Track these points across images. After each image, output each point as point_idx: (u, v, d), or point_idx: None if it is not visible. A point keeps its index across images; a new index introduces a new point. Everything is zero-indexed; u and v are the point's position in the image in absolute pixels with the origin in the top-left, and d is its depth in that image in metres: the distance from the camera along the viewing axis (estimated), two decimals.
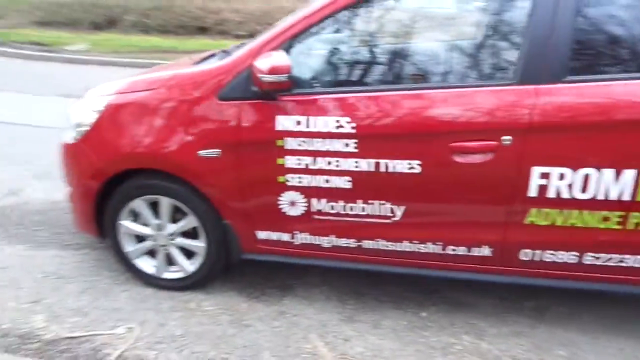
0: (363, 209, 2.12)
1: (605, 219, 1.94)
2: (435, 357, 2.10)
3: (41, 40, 10.19)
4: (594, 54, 1.90)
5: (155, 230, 2.40)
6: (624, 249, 1.98)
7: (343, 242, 2.21)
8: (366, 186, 2.07)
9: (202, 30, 10.85)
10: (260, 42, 2.08)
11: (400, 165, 2.00)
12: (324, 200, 2.14)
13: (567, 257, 2.04)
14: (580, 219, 1.96)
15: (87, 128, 2.31)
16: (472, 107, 1.90)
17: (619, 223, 1.94)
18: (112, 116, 2.26)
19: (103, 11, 11.33)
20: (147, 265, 2.51)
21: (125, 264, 2.53)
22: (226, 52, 2.45)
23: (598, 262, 2.03)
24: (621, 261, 2.01)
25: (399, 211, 2.09)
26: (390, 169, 2.01)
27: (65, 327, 2.23)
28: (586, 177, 1.88)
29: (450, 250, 2.13)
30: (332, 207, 2.15)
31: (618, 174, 1.85)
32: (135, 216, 2.42)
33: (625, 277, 2.05)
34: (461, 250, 2.12)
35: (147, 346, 2.13)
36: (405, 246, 2.16)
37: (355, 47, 2.09)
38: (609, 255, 2.00)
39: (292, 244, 2.28)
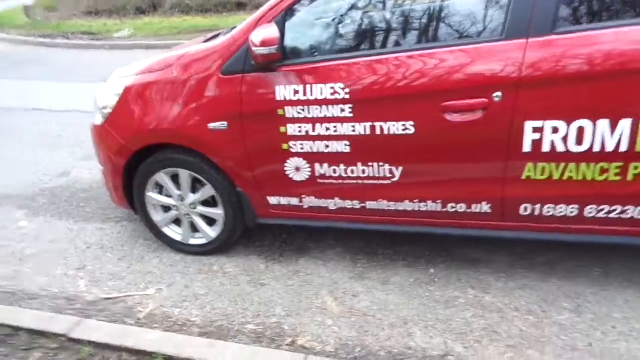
0: (363, 172, 2.21)
1: (604, 170, 1.93)
2: (438, 310, 2.19)
3: (89, 29, 10.71)
4: (581, 3, 1.87)
5: (178, 201, 2.60)
6: (626, 200, 1.97)
7: (348, 204, 2.32)
8: (364, 149, 2.15)
9: (241, 6, 11.00)
10: (257, 16, 2.18)
11: (395, 127, 2.06)
12: (325, 165, 2.24)
13: (568, 210, 2.05)
14: (577, 172, 1.96)
15: (110, 110, 2.51)
16: (460, 66, 1.93)
17: (617, 174, 1.92)
18: (130, 97, 2.45)
19: None
20: (174, 233, 2.73)
21: (155, 232, 2.76)
22: (233, 29, 2.56)
23: (600, 215, 2.03)
24: (623, 213, 1.99)
25: (398, 172, 2.16)
26: (386, 131, 2.08)
27: (104, 290, 2.49)
28: (581, 129, 1.87)
29: (450, 207, 2.18)
30: (335, 171, 2.25)
31: (614, 124, 1.83)
32: (160, 188, 2.63)
33: (629, 228, 2.03)
34: (461, 208, 2.17)
35: (173, 304, 2.35)
36: (407, 205, 2.23)
37: (344, 15, 2.14)
38: (610, 207, 2.00)
39: (301, 208, 2.41)
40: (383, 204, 2.26)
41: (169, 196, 2.62)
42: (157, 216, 2.70)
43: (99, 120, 2.60)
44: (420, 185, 2.18)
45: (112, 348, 1.99)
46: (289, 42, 2.16)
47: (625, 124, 1.82)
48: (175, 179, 2.56)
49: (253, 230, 2.68)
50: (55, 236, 3.04)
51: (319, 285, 2.41)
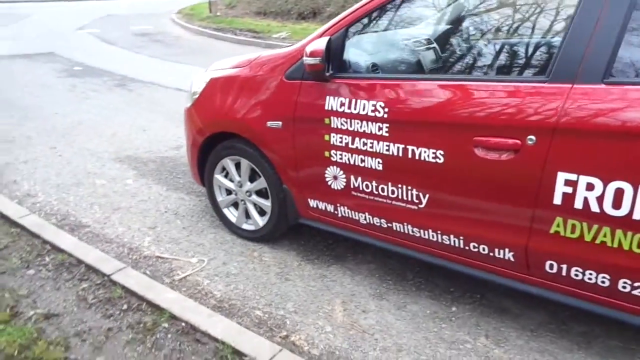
0: (392, 192, 2.22)
1: None
2: (438, 348, 2.11)
3: (255, 28, 11.82)
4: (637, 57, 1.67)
5: (237, 186, 2.86)
6: None
7: (376, 220, 2.35)
8: (395, 170, 2.17)
9: None
10: (322, 29, 2.33)
11: (425, 154, 2.05)
12: (360, 178, 2.30)
13: (598, 279, 1.84)
14: (612, 238, 1.75)
15: (197, 96, 2.87)
16: (498, 102, 1.86)
17: None
18: (211, 88, 2.77)
19: (309, 3, 12.52)
20: (231, 215, 3.00)
21: (217, 211, 3.06)
22: None
23: (635, 292, 1.78)
24: None
25: (424, 199, 2.14)
26: (417, 156, 2.08)
27: (160, 250, 2.85)
28: (619, 191, 1.68)
29: (472, 247, 2.09)
30: (367, 186, 2.30)
31: None
32: (226, 173, 2.91)
33: None
34: (483, 249, 2.07)
35: (205, 276, 2.60)
36: (431, 234, 2.19)
37: (394, 38, 2.18)
38: None
39: (336, 216, 2.50)
40: (408, 228, 2.25)
41: (232, 181, 2.89)
42: (220, 197, 2.99)
43: (188, 103, 2.97)
44: (444, 217, 2.12)
45: (137, 296, 2.30)
46: (345, 56, 2.27)
47: None
48: (238, 166, 2.82)
49: (305, 229, 2.82)
50: (147, 197, 3.52)
51: (336, 293, 2.48)
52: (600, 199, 1.72)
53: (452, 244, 2.14)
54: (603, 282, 1.83)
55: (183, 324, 2.12)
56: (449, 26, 2.16)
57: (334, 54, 2.23)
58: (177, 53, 9.71)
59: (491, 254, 2.06)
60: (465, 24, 2.14)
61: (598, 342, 2.14)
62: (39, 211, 3.26)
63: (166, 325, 2.15)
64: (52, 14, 17.23)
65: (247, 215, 2.92)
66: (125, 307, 2.27)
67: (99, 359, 1.99)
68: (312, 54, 2.12)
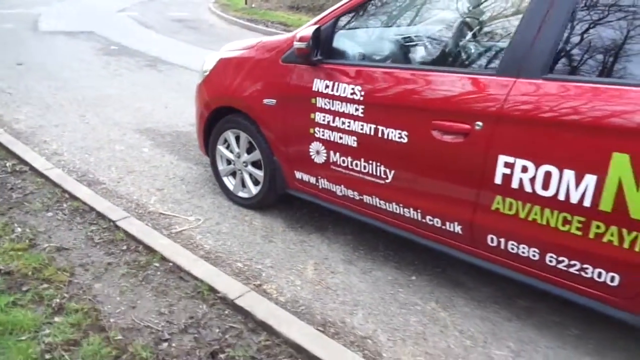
0: (364, 167, 2.50)
1: (566, 221, 1.94)
2: (391, 307, 2.38)
3: (286, 21, 12.16)
4: (572, 55, 1.91)
5: (235, 157, 3.19)
6: (585, 258, 1.95)
7: (350, 193, 2.63)
8: (367, 147, 2.45)
9: None
10: (315, 19, 2.62)
11: (392, 134, 2.32)
12: (338, 154, 2.59)
13: (530, 252, 2.09)
14: (541, 216, 2.00)
15: (207, 74, 3.20)
16: (454, 90, 2.12)
17: (579, 229, 1.92)
18: (219, 67, 3.10)
19: None
20: (229, 183, 3.32)
21: (218, 179, 3.40)
22: None
23: (560, 266, 2.02)
24: (582, 270, 1.97)
25: (390, 174, 2.41)
26: (385, 136, 2.35)
27: (164, 208, 3.20)
28: (547, 174, 1.93)
29: (428, 220, 2.36)
30: (343, 161, 2.58)
31: (579, 177, 1.85)
32: (228, 144, 3.24)
33: (588, 289, 1.99)
34: (437, 222, 2.33)
35: (199, 232, 2.94)
36: (395, 207, 2.46)
37: (373, 30, 2.45)
38: (569, 261, 1.99)
39: (317, 187, 2.79)
40: (376, 201, 2.53)
41: (231, 152, 3.22)
42: (221, 166, 3.32)
43: (199, 80, 3.31)
44: (406, 191, 2.39)
45: (136, 240, 2.65)
46: (334, 44, 2.56)
47: (590, 180, 1.83)
48: (238, 139, 3.14)
49: (296, 203, 3.11)
50: (159, 164, 3.89)
51: (312, 256, 2.77)
52: (532, 181, 1.97)
53: (412, 216, 2.41)
54: (534, 255, 2.08)
55: (171, 264, 2.46)
56: (419, 22, 2.42)
57: (323, 42, 2.52)
58: (209, 40, 10.12)
59: (443, 227, 2.32)
60: (432, 20, 2.40)
61: (537, 316, 2.38)
62: (63, 167, 3.66)
63: (157, 264, 2.49)
64: None
65: (243, 184, 3.24)
66: (124, 247, 2.62)
67: (97, 285, 2.34)
68: (301, 39, 2.42)
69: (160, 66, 7.34)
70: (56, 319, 2.07)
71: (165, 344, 1.99)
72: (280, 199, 3.15)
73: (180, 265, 2.42)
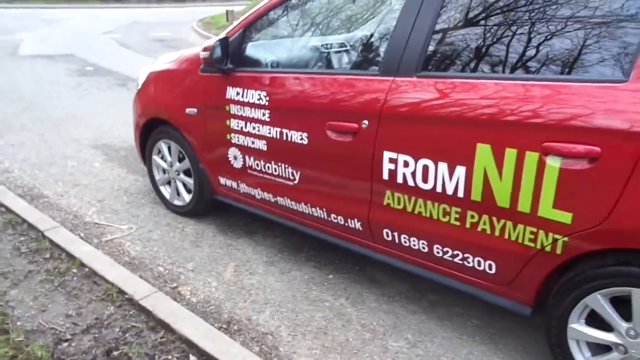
0: (275, 170, 2.59)
1: (446, 212, 2.02)
2: (299, 304, 2.45)
3: None
4: (441, 53, 2.01)
5: (168, 166, 3.28)
6: (465, 247, 2.02)
7: (266, 195, 2.71)
8: (276, 150, 2.54)
9: None
10: (225, 31, 2.73)
11: (295, 136, 2.42)
12: (252, 158, 2.68)
13: (419, 244, 2.16)
14: (425, 209, 2.08)
15: (139, 87, 3.31)
16: (344, 92, 2.21)
17: (457, 219, 2.00)
18: (149, 80, 3.21)
19: None
20: (165, 192, 3.41)
21: (155, 189, 3.48)
22: None
23: (446, 257, 2.10)
24: (464, 260, 2.04)
25: (297, 176, 2.50)
26: (290, 138, 2.44)
27: (100, 218, 3.29)
28: (425, 168, 2.01)
29: (332, 218, 2.44)
30: (257, 165, 2.67)
31: (451, 169, 1.94)
32: (162, 154, 3.33)
33: (471, 277, 2.06)
34: (340, 220, 2.41)
35: (129, 240, 3.02)
36: (304, 208, 2.54)
37: (275, 38, 2.57)
38: (452, 251, 2.06)
39: (239, 192, 2.88)
40: (288, 202, 2.61)
41: (165, 161, 3.31)
42: (157, 175, 3.41)
43: (134, 93, 3.41)
44: (312, 191, 2.48)
45: (60, 248, 2.73)
46: (244, 53, 2.67)
47: (460, 171, 1.92)
48: (170, 149, 3.24)
49: (233, 210, 3.17)
50: (107, 177, 3.98)
51: (235, 259, 2.85)
52: (413, 174, 2.05)
53: (319, 215, 2.49)
54: (424, 247, 2.15)
55: (87, 270, 2.53)
56: (313, 28, 2.54)
57: (233, 51, 2.63)
58: None
59: (346, 224, 2.39)
60: (321, 26, 2.51)
61: (441, 308, 2.44)
62: (9, 183, 3.75)
63: (75, 270, 2.56)
64: (84, 19, 18.30)
65: (178, 193, 3.32)
66: (48, 256, 2.70)
67: (13, 291, 2.41)
68: (205, 49, 2.54)
69: (130, 84, 7.47)
70: None
71: (65, 344, 2.06)
72: (218, 206, 3.22)
73: (96, 270, 2.49)
